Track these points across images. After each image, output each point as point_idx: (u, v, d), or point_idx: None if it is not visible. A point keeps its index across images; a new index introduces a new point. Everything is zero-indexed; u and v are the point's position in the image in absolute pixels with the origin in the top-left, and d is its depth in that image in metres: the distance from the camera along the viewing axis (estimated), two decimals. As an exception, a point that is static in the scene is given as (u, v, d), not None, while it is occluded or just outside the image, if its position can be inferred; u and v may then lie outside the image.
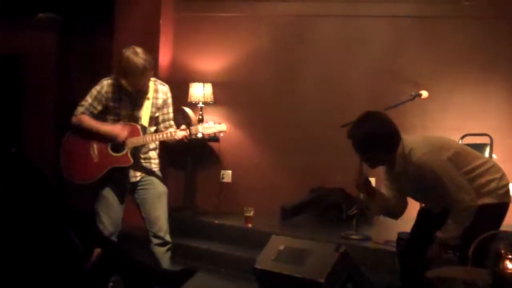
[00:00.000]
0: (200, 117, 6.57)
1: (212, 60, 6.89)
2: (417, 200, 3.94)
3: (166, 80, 6.71)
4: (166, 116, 4.51)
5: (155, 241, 4.45)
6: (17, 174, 3.72)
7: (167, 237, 4.49)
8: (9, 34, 7.00)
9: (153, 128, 4.44)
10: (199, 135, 4.53)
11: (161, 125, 4.49)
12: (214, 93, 6.70)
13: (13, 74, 7.14)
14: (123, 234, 4.53)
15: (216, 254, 5.62)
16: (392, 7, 6.64)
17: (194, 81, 6.67)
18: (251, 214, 5.92)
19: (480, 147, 5.89)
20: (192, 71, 6.88)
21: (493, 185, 3.60)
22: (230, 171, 6.88)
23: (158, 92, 4.47)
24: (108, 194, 4.40)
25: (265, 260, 4.59)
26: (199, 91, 6.60)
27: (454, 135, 6.08)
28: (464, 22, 6.55)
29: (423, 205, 4.06)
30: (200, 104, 6.57)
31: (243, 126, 6.88)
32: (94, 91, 4.35)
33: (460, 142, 6.01)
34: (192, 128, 4.45)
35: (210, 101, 6.65)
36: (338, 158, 6.38)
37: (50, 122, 7.06)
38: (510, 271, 2.81)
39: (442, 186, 3.50)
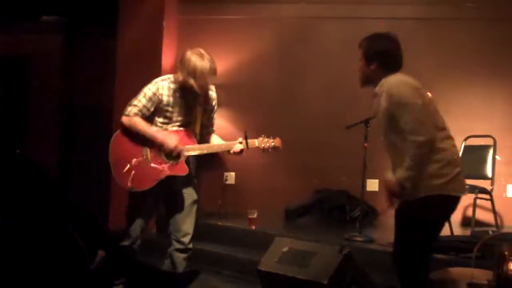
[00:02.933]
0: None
1: (215, 62, 6.88)
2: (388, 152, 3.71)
3: (170, 82, 6.77)
4: (210, 122, 4.49)
5: (177, 245, 4.37)
6: (22, 175, 3.73)
7: (190, 245, 4.42)
8: (15, 37, 7.02)
9: None
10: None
11: (204, 130, 4.43)
12: (217, 95, 6.68)
13: (19, 76, 7.16)
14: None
15: (219, 256, 5.61)
16: (395, 9, 6.65)
17: (197, 84, 6.67)
18: (255, 216, 5.92)
19: (483, 149, 5.90)
20: (196, 73, 6.88)
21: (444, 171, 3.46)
22: (233, 173, 6.89)
23: (210, 98, 4.44)
24: (151, 201, 4.29)
25: (269, 262, 4.59)
26: (203, 93, 6.60)
27: (457, 136, 6.04)
28: (468, 24, 6.55)
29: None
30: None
31: (247, 128, 6.85)
32: (149, 91, 4.21)
33: (463, 143, 6.02)
34: (250, 141, 4.46)
35: (214, 103, 6.65)
36: (342, 160, 6.40)
37: (55, 124, 7.08)
38: (513, 272, 2.82)
39: (401, 113, 3.39)
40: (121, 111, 4.31)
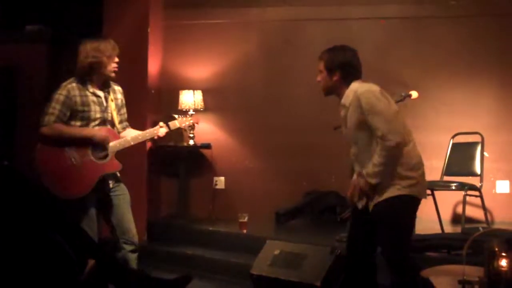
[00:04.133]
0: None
1: (201, 67, 6.90)
2: (353, 155, 3.85)
3: (156, 88, 6.77)
4: (123, 117, 4.46)
5: (128, 248, 4.31)
6: (9, 187, 3.71)
7: (137, 242, 4.38)
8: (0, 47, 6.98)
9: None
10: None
11: (119, 126, 4.40)
12: (204, 100, 6.70)
13: (5, 87, 7.11)
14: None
15: (211, 260, 5.61)
16: (380, 9, 6.66)
17: (184, 89, 6.67)
18: (246, 219, 5.92)
19: (471, 146, 5.92)
20: (182, 78, 6.88)
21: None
22: (223, 178, 6.88)
23: (116, 92, 4.41)
24: (90, 204, 4.24)
25: (261, 265, 4.59)
26: (190, 99, 6.60)
27: (445, 134, 6.12)
28: (451, 21, 6.58)
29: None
30: (191, 112, 6.56)
31: (235, 132, 6.88)
32: (61, 96, 4.18)
33: (451, 141, 6.04)
34: (170, 123, 4.47)
35: (201, 108, 6.65)
36: (331, 161, 6.40)
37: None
38: (504, 269, 2.82)
39: (373, 120, 3.53)
40: (108, 119, 4.31)
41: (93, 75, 4.25)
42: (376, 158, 3.52)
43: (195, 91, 6.65)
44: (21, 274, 3.23)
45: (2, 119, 7.10)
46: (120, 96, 4.42)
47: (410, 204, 3.64)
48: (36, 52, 7.15)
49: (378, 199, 3.58)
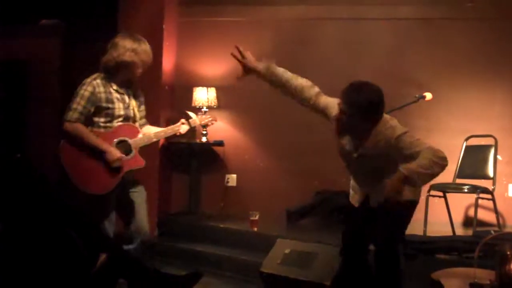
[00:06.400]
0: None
1: (215, 64, 6.90)
2: (359, 181, 3.95)
3: (170, 85, 6.78)
4: (142, 113, 4.46)
5: (141, 244, 4.31)
6: (22, 179, 3.73)
7: (149, 239, 4.44)
8: (13, 41, 7.01)
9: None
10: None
11: (140, 121, 4.41)
12: (218, 97, 6.71)
13: (17, 81, 7.15)
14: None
15: (221, 258, 5.61)
16: (395, 10, 6.64)
17: (197, 86, 6.68)
18: (257, 217, 5.92)
19: (484, 149, 5.89)
20: (196, 75, 6.89)
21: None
22: (235, 175, 6.88)
23: (135, 89, 4.42)
24: (111, 200, 4.26)
25: (271, 263, 4.59)
26: (203, 96, 6.61)
27: (458, 136, 6.09)
28: (467, 23, 6.54)
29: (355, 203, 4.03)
30: (204, 109, 6.57)
31: (248, 130, 6.88)
32: (86, 92, 4.15)
33: (464, 143, 6.02)
34: (191, 120, 4.49)
35: (214, 106, 6.66)
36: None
37: (54, 128, 7.07)
38: (516, 272, 2.81)
39: (411, 155, 3.47)
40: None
41: (120, 73, 4.24)
42: (423, 163, 3.40)
43: (209, 88, 6.66)
44: (32, 266, 3.25)
45: (14, 112, 7.14)
46: (139, 93, 4.43)
47: (414, 208, 3.78)
48: (49, 47, 7.19)
49: (400, 198, 3.51)
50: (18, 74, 7.15)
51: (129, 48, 4.21)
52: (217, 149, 6.82)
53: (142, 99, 4.45)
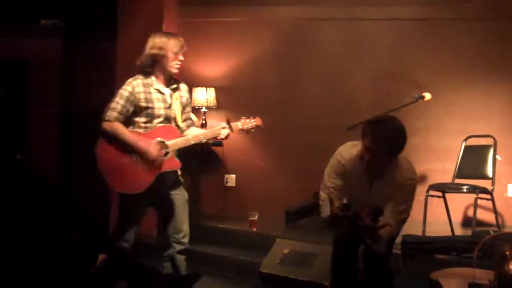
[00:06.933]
0: (203, 121, 6.59)
1: (215, 64, 6.91)
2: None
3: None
4: (187, 115, 4.44)
5: (178, 247, 4.37)
6: (21, 180, 3.74)
7: (188, 244, 4.42)
8: (14, 41, 7.01)
9: None
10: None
11: (183, 124, 4.39)
12: (217, 97, 6.71)
13: (18, 80, 7.14)
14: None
15: (221, 258, 5.62)
16: (395, 10, 6.64)
17: (197, 86, 6.68)
18: (256, 218, 5.93)
19: (483, 149, 5.90)
20: (195, 75, 6.89)
21: None
22: (234, 175, 6.89)
23: (182, 90, 4.41)
24: (144, 201, 4.26)
25: (270, 263, 4.60)
26: (202, 96, 6.61)
27: (457, 137, 6.10)
28: (466, 24, 6.55)
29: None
30: (203, 109, 6.58)
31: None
32: (125, 92, 4.17)
33: (463, 143, 6.02)
34: (233, 124, 4.43)
35: (213, 106, 6.66)
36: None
37: (55, 128, 7.07)
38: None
39: (403, 200, 3.59)
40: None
41: (155, 68, 4.25)
42: (396, 227, 3.59)
43: (208, 88, 6.66)
44: (32, 266, 3.25)
45: (14, 112, 7.14)
46: (185, 94, 4.42)
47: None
48: (50, 47, 7.18)
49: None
50: (18, 74, 7.14)
51: (158, 41, 4.26)
52: (216, 149, 6.82)
53: (187, 100, 4.44)
